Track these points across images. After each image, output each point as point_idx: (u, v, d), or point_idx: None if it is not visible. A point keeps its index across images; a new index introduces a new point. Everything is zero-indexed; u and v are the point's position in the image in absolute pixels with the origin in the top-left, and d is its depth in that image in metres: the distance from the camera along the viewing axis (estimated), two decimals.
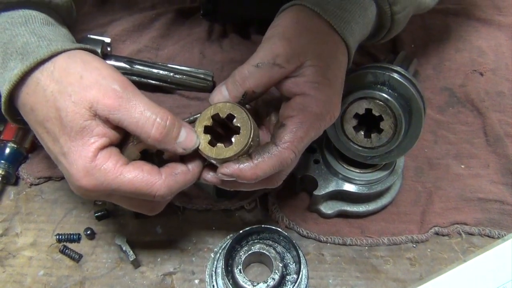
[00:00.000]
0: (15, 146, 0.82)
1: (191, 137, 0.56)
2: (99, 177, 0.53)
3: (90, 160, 0.53)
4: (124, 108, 0.53)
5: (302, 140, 0.56)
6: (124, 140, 0.58)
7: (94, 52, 0.60)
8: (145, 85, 0.91)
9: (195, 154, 0.58)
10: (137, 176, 0.54)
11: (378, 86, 0.67)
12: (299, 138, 0.56)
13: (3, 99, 0.57)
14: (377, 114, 0.67)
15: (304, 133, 0.56)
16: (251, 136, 0.55)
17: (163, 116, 0.54)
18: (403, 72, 0.68)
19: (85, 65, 0.55)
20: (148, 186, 0.54)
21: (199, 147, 0.56)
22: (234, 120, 0.55)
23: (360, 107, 0.68)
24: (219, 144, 0.56)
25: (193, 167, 0.58)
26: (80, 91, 0.53)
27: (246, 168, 0.55)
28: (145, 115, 0.53)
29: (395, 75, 0.67)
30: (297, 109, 0.57)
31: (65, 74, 0.54)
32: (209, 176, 0.60)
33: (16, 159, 0.82)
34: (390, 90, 0.67)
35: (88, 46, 0.60)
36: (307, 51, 0.58)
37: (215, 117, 0.56)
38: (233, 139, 0.55)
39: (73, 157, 0.53)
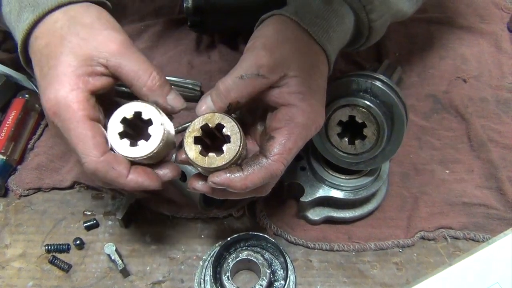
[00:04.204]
0: (4, 158, 0.82)
1: (179, 99, 0.61)
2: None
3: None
4: (127, 55, 0.57)
5: (291, 151, 0.58)
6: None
7: (107, 6, 0.63)
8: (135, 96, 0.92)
9: (168, 169, 0.61)
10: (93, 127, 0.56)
11: (361, 93, 0.69)
12: (288, 150, 0.57)
13: (19, 49, 0.60)
14: (360, 121, 0.68)
15: (292, 144, 0.58)
16: (242, 144, 0.56)
17: (159, 72, 0.59)
18: (385, 80, 0.69)
19: (99, 14, 0.60)
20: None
21: (190, 157, 0.56)
22: (224, 129, 0.56)
23: (343, 114, 0.69)
24: (210, 154, 0.56)
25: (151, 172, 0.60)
26: (89, 31, 0.57)
27: (236, 179, 0.56)
28: (144, 66, 0.58)
29: (377, 83, 0.68)
30: (284, 120, 0.58)
31: (80, 16, 0.58)
32: (198, 185, 0.60)
33: (5, 171, 0.83)
34: (372, 98, 0.68)
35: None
36: (290, 61, 0.59)
37: (204, 128, 0.57)
38: (224, 148, 0.56)
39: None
